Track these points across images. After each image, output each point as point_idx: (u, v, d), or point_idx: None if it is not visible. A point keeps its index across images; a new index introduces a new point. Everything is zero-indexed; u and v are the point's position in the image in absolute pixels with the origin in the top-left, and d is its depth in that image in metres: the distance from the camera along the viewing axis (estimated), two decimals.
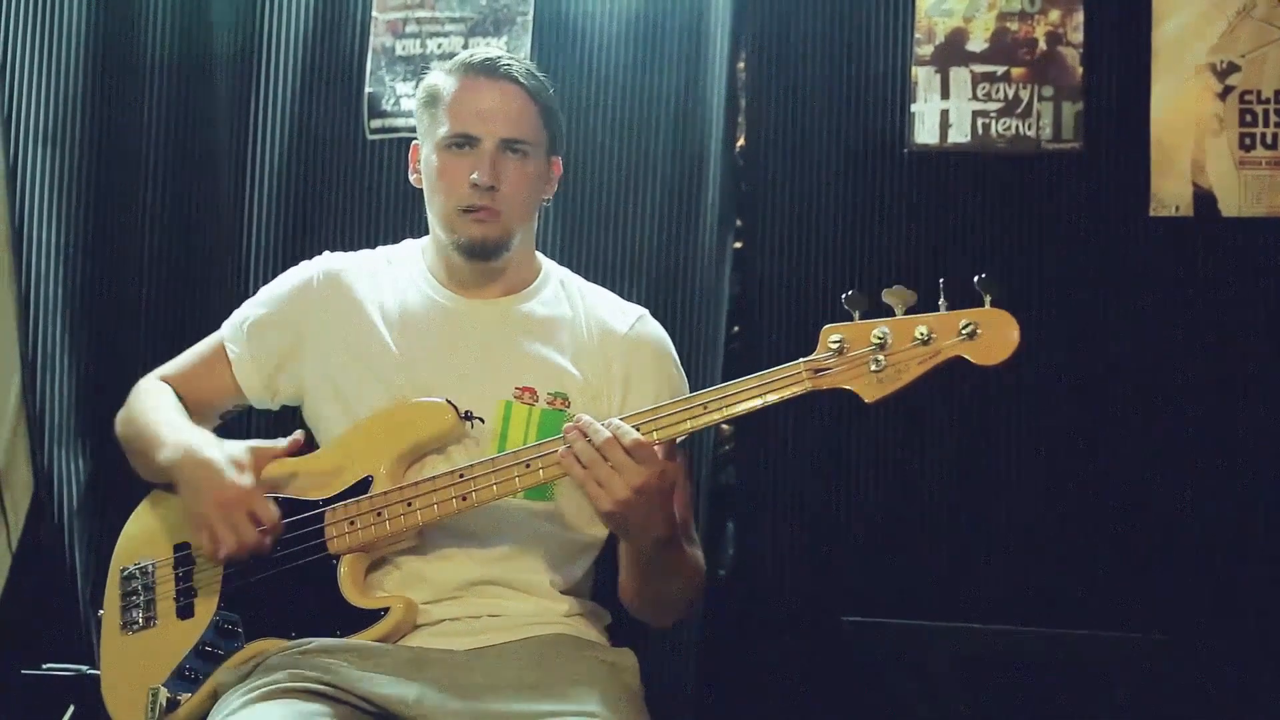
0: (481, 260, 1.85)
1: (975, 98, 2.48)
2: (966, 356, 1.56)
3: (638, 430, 1.61)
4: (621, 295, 2.00)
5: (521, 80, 1.84)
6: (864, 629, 2.32)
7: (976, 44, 2.49)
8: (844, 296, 1.60)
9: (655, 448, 1.61)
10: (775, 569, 2.50)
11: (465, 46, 2.61)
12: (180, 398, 1.91)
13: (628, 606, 1.83)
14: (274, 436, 2.25)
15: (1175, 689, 2.19)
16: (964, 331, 1.55)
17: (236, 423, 2.08)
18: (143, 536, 1.85)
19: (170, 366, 1.97)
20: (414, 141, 1.91)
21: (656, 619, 1.85)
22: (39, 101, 2.70)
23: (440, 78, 1.87)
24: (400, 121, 2.63)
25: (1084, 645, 2.25)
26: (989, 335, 1.55)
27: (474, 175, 1.78)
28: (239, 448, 1.79)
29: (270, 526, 1.72)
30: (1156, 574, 2.36)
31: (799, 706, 2.48)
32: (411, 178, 1.92)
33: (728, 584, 2.50)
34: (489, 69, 1.83)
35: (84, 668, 2.34)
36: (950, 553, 2.44)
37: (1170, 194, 2.41)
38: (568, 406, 1.80)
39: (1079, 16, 2.45)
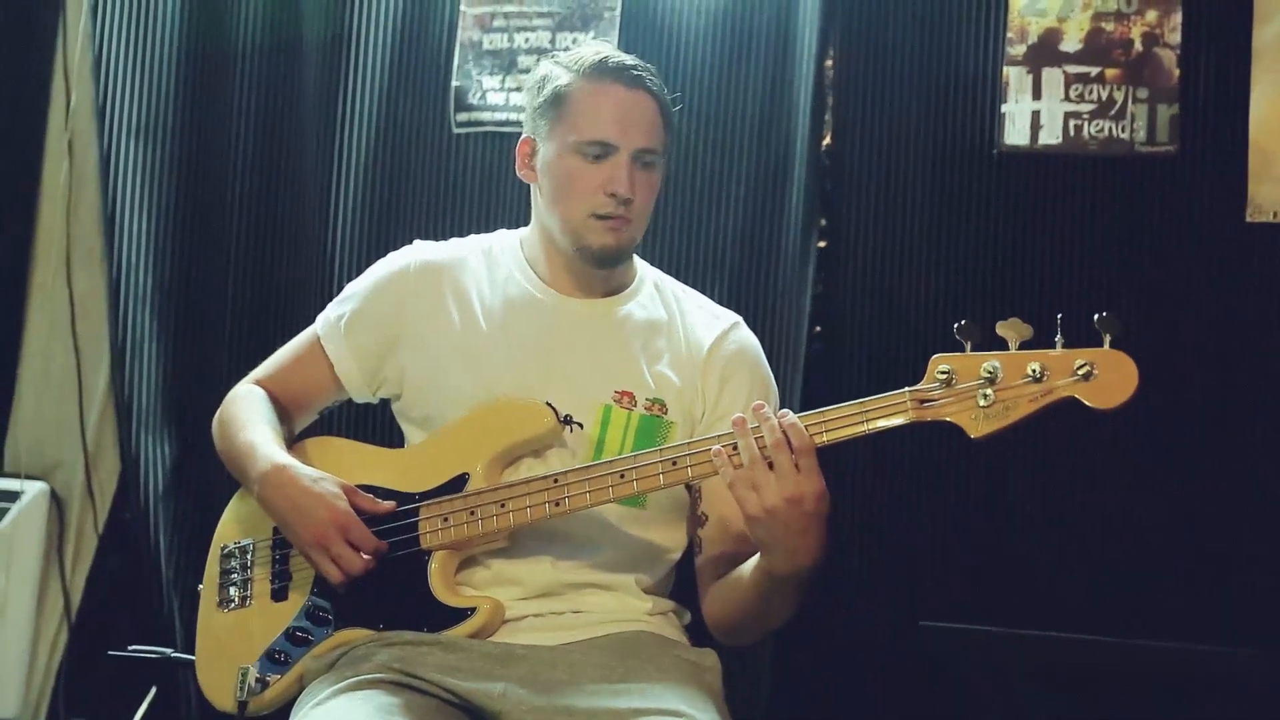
0: (607, 267, 1.83)
1: (1068, 99, 2.43)
2: (1080, 398, 1.49)
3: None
4: (703, 292, 1.98)
5: (653, 89, 1.80)
6: (942, 635, 2.30)
7: (1070, 44, 2.45)
8: (956, 326, 1.53)
9: None
10: (853, 571, 2.48)
11: (553, 42, 2.61)
12: (277, 399, 1.90)
13: (712, 621, 1.78)
14: (359, 429, 2.27)
15: (1264, 705, 2.14)
16: (1079, 372, 1.48)
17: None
18: (247, 516, 1.84)
19: (264, 369, 1.94)
20: (523, 136, 1.85)
21: (738, 639, 1.80)
22: (133, 94, 2.75)
23: (566, 76, 1.80)
24: (486, 115, 2.64)
25: (1169, 658, 2.21)
26: (1105, 377, 1.48)
27: (614, 187, 1.75)
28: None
29: (373, 549, 1.70)
30: (1246, 587, 2.31)
31: (874, 712, 2.46)
32: (520, 173, 1.87)
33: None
34: (623, 75, 1.78)
35: (168, 650, 2.36)
36: (1033, 560, 2.40)
37: (1268, 199, 2.35)
38: (665, 413, 1.78)
39: (1177, 17, 2.40)
